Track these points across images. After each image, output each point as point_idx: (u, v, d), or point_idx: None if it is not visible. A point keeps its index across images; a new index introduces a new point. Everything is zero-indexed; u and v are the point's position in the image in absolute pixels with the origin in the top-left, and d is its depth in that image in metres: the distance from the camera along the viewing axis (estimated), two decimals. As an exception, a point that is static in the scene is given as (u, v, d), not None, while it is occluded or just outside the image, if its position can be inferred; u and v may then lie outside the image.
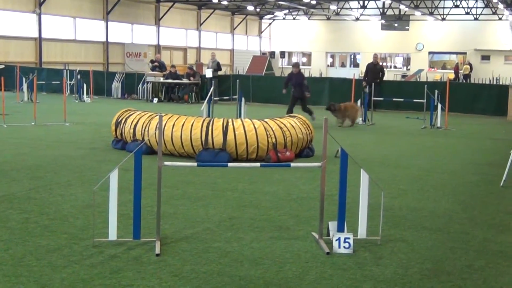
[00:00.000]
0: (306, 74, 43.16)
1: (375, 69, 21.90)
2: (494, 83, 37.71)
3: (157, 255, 5.45)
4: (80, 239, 5.87)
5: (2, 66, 22.56)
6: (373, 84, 20.40)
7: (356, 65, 52.64)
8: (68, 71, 26.86)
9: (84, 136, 13.54)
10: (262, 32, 56.17)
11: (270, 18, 55.48)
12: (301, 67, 19.22)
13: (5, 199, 7.41)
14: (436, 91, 17.67)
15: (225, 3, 42.68)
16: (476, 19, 46.36)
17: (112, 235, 5.75)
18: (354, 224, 6.24)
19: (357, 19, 50.83)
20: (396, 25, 51.01)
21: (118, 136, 11.83)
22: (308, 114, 16.77)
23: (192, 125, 10.64)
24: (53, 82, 26.50)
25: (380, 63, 24.97)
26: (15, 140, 12.60)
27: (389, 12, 48.32)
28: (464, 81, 40.47)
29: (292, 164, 7.21)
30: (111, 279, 4.88)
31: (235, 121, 10.78)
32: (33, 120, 15.53)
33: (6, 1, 30.00)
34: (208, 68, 25.92)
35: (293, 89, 17.35)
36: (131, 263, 5.26)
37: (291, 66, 20.75)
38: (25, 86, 23.09)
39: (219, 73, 26.07)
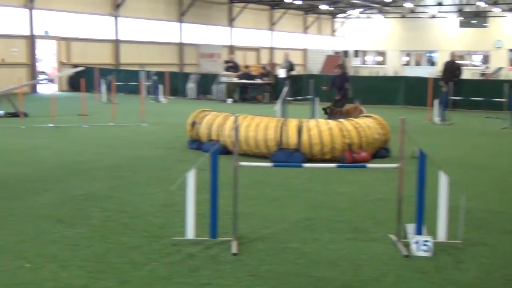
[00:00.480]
0: (381, 73, 42.73)
1: (452, 67, 21.36)
2: None
3: (234, 254, 5.50)
4: (159, 237, 5.98)
5: (82, 68, 23.27)
6: (451, 82, 19.89)
7: (432, 63, 51.58)
8: (144, 72, 27.44)
9: (161, 136, 13.80)
10: (335, 31, 55.81)
11: (343, 17, 55.07)
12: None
13: (87, 197, 7.64)
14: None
15: (298, 2, 42.62)
16: (559, 14, 44.65)
17: (190, 234, 5.84)
18: (432, 226, 6.10)
19: (433, 16, 49.78)
20: (474, 22, 49.61)
21: (193, 136, 11.99)
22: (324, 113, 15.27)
23: (266, 126, 10.68)
24: (130, 83, 27.15)
25: (458, 61, 24.32)
26: (95, 140, 12.97)
27: (467, 8, 47.05)
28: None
29: (368, 165, 7.13)
30: (189, 278, 4.95)
31: (310, 122, 10.75)
32: (111, 121, 15.94)
33: (85, 5, 30.91)
34: (281, 68, 25.96)
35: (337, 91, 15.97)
36: (208, 262, 5.33)
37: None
38: (103, 87, 23.74)
39: (292, 73, 26.06)
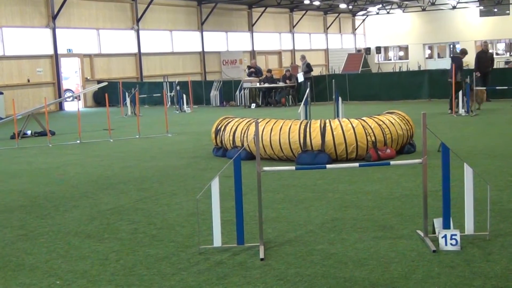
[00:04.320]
0: (404, 68, 42.41)
1: (486, 57, 21.11)
2: None
3: (262, 259, 5.51)
4: (187, 247, 6.03)
5: (105, 84, 23.57)
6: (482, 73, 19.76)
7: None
8: (167, 83, 27.64)
9: (186, 146, 13.88)
10: (356, 29, 55.64)
11: (363, 14, 54.88)
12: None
13: (115, 211, 7.72)
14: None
15: (317, 3, 42.59)
16: None
17: (217, 241, 5.87)
18: (460, 220, 6.06)
19: (454, 7, 49.34)
20: (495, 10, 49.08)
21: (218, 143, 12.04)
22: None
23: (289, 129, 10.68)
24: (154, 95, 27.38)
25: (491, 51, 24.05)
26: (121, 154, 13.09)
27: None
28: None
29: (392, 162, 7.08)
30: (218, 285, 4.98)
31: (333, 122, 10.73)
32: (137, 133, 16.08)
33: (105, 21, 31.25)
34: (300, 71, 25.92)
35: None
36: (236, 268, 5.35)
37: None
38: (128, 100, 23.97)
39: (312, 74, 26.00)
